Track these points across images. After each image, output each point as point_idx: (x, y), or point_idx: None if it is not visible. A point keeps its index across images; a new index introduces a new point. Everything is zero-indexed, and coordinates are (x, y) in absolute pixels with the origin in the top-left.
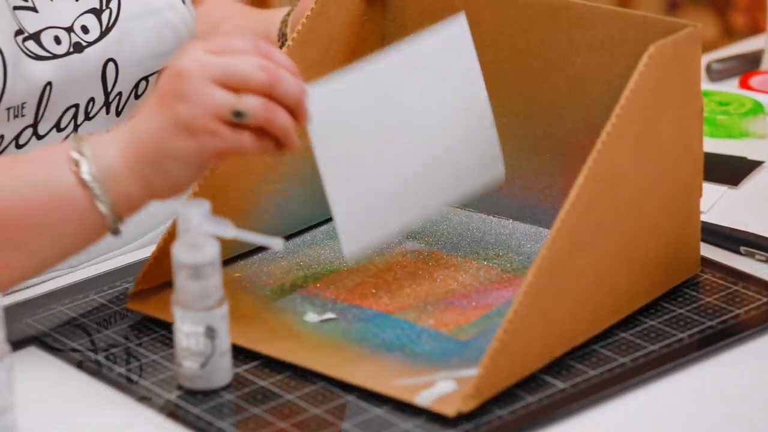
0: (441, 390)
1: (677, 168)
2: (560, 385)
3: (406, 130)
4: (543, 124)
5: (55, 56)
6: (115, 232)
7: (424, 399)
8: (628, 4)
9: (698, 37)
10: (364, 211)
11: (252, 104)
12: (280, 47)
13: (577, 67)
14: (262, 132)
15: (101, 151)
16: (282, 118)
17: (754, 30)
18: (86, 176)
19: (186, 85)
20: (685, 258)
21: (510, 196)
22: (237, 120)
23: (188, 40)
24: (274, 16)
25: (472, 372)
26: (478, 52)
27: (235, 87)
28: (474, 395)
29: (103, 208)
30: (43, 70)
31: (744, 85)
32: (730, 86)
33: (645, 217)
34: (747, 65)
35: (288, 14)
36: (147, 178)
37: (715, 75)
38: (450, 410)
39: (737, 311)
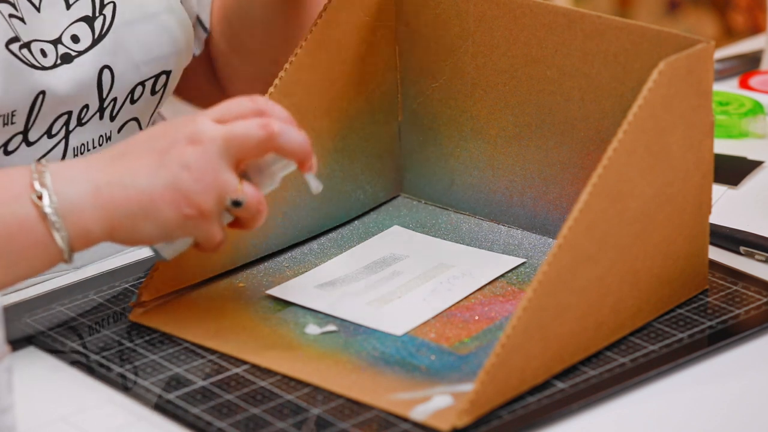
0: (437, 405)
1: (686, 184)
2: (560, 385)
3: None
4: (555, 133)
5: (44, 68)
6: (68, 261)
7: (419, 414)
8: (628, 3)
9: (711, 53)
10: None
11: (249, 195)
12: None
13: (591, 79)
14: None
15: (66, 186)
16: (263, 218)
17: (754, 30)
18: (48, 209)
19: (199, 159)
20: (692, 275)
21: (520, 206)
22: (231, 207)
23: (185, 44)
24: None
25: (469, 387)
26: (493, 58)
27: (240, 152)
28: (469, 411)
29: (60, 241)
30: (37, 79)
31: (744, 85)
32: (730, 86)
33: (651, 233)
34: (747, 65)
35: None
36: (113, 223)
37: (714, 75)
38: (444, 425)
39: (737, 311)
